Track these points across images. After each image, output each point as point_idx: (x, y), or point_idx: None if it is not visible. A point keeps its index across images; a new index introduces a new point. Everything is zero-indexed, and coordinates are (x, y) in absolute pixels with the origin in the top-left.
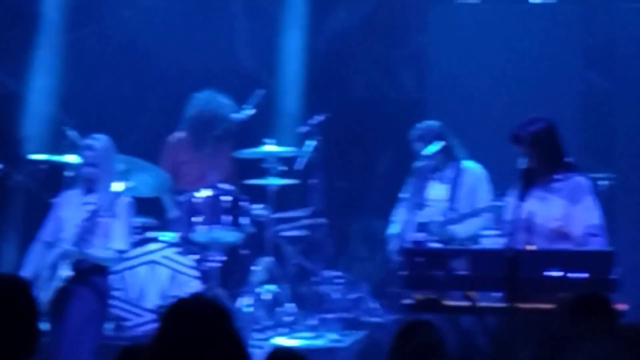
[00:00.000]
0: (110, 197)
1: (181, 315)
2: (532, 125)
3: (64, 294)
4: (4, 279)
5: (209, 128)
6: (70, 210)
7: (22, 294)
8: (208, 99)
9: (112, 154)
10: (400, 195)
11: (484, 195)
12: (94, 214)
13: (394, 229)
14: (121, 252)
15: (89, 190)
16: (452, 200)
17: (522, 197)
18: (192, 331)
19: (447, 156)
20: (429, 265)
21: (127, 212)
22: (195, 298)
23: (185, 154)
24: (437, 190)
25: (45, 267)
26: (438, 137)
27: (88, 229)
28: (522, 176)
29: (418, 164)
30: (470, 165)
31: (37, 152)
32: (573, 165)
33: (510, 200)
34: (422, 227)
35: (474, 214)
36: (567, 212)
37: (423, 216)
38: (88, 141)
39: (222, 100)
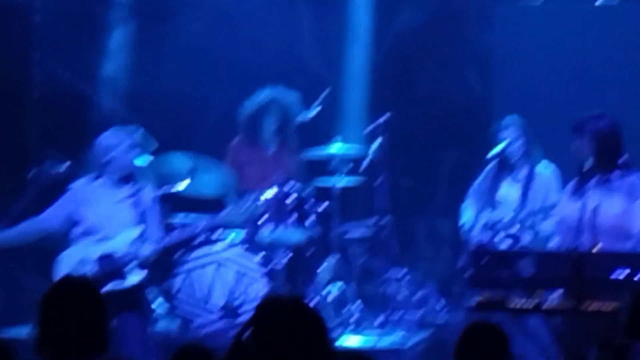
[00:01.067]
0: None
1: (275, 318)
2: (595, 122)
3: (131, 298)
4: (75, 282)
5: (273, 128)
6: (103, 203)
7: (92, 297)
8: (271, 99)
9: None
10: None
11: (554, 197)
12: (153, 209)
13: (466, 215)
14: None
15: (123, 181)
16: (523, 200)
17: (581, 196)
18: (286, 337)
19: (523, 155)
20: (495, 265)
21: (159, 206)
22: (291, 301)
23: (248, 154)
24: (509, 190)
25: (82, 263)
26: (517, 133)
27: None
28: (581, 174)
29: (489, 162)
30: (544, 166)
31: None
32: (630, 164)
33: (564, 198)
34: (491, 226)
35: (541, 211)
36: (626, 209)
37: (494, 215)
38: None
39: (287, 100)
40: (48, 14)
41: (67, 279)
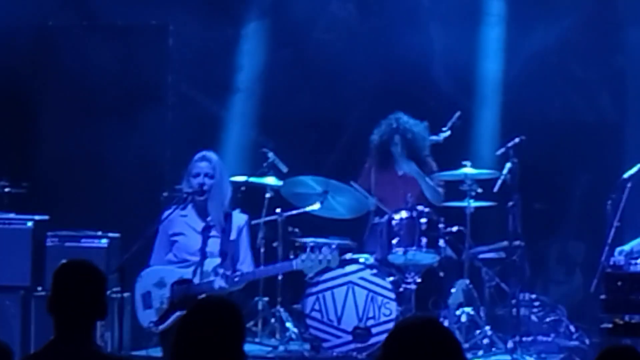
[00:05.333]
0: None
1: (410, 340)
2: None
3: None
4: (219, 303)
5: (402, 155)
6: (191, 232)
7: (234, 320)
8: (401, 122)
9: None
10: None
11: None
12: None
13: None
14: None
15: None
16: None
17: None
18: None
19: None
20: (630, 289)
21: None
22: (428, 323)
23: (378, 178)
24: None
25: (160, 285)
26: None
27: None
28: None
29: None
30: None
31: (236, 174)
32: None
33: None
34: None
35: None
36: None
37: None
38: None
39: (412, 127)
40: (182, 37)
41: (210, 299)
